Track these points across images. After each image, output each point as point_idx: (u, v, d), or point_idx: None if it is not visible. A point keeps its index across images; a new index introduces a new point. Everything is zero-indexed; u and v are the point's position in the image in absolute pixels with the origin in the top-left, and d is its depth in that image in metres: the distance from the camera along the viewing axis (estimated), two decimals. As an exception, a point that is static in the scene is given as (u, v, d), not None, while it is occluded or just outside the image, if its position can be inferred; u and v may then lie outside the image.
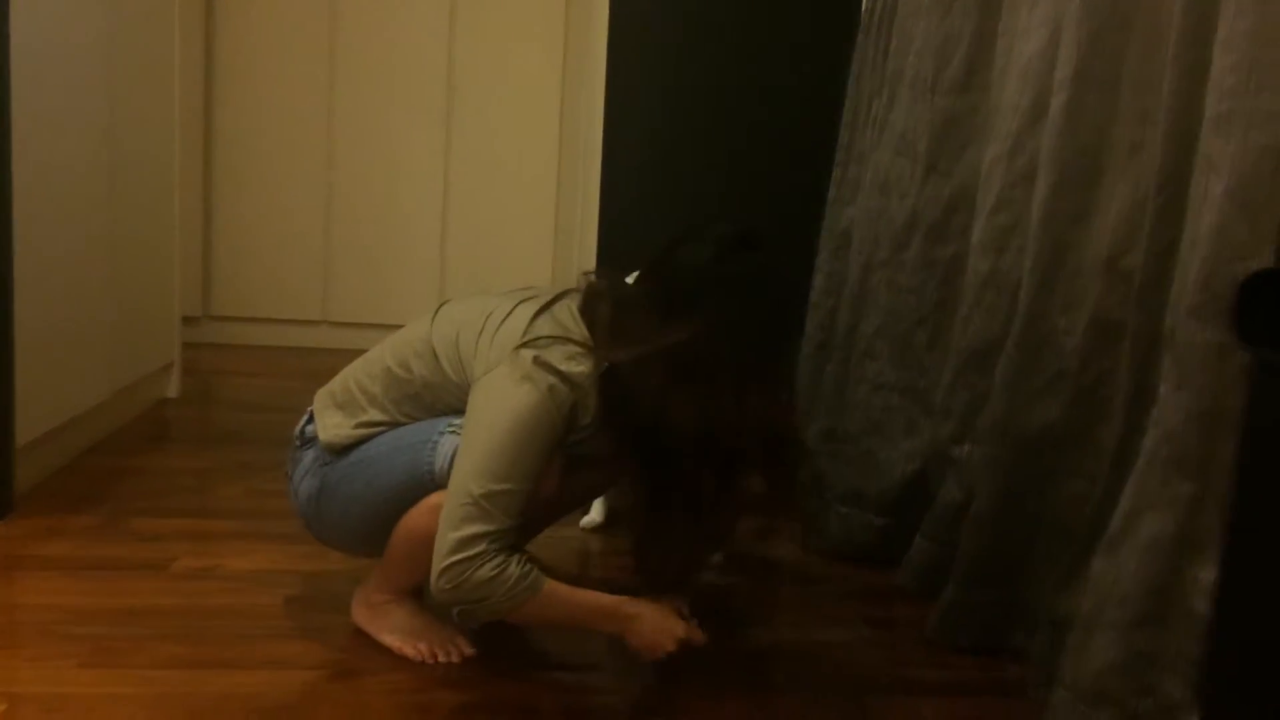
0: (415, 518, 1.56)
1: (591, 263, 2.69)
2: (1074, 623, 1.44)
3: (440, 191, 4.23)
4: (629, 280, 1.65)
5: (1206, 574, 1.25)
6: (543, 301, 1.58)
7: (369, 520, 1.61)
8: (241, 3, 4.06)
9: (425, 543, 1.52)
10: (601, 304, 1.58)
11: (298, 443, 1.70)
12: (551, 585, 1.50)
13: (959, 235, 2.02)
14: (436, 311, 1.66)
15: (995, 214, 1.82)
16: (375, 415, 1.62)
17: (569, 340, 1.52)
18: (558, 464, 1.54)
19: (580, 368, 1.49)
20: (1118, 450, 1.49)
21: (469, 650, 1.64)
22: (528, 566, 1.47)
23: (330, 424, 1.65)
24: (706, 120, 2.68)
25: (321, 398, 1.71)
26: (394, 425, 1.61)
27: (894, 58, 2.24)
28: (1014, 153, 1.77)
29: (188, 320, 3.71)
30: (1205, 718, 0.94)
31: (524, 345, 1.50)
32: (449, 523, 1.45)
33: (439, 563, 1.44)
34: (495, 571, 1.43)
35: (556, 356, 1.49)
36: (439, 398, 1.59)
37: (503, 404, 1.48)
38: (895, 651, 1.78)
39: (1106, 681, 1.33)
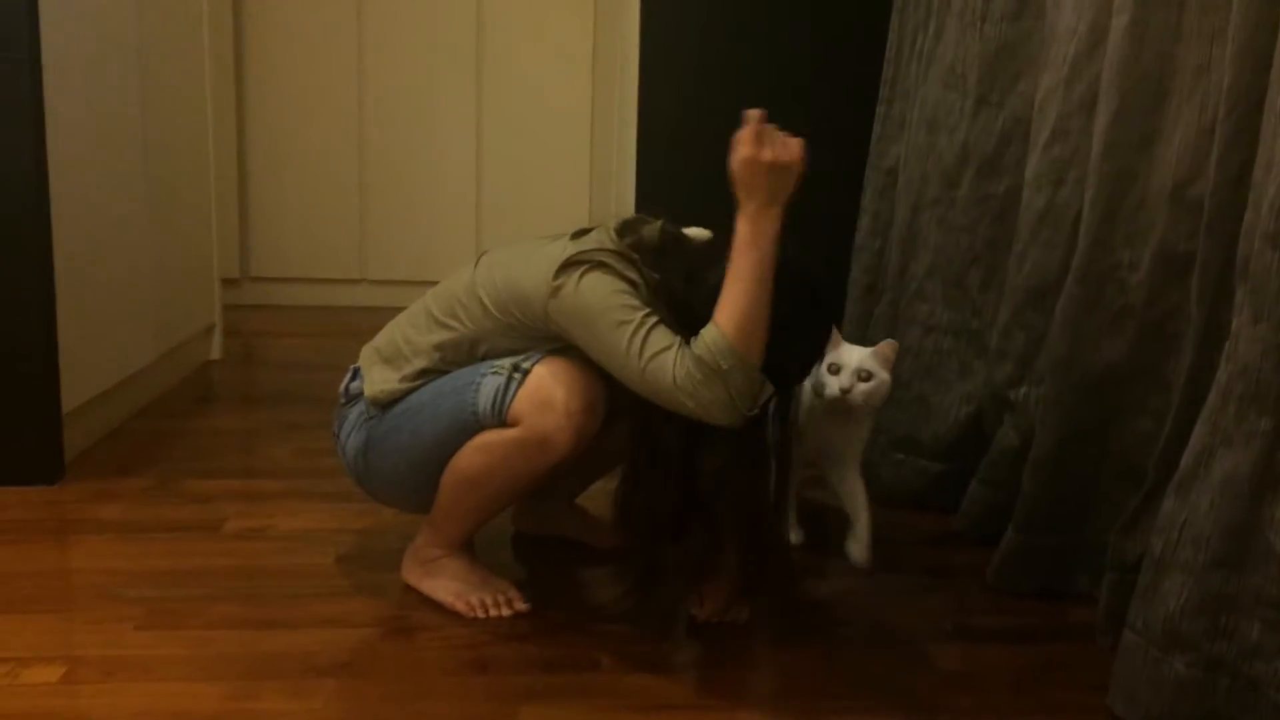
0: (463, 457, 1.55)
1: (630, 207, 2.64)
2: (1142, 565, 1.39)
3: (474, 142, 4.18)
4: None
5: (1287, 512, 1.20)
6: (578, 229, 1.56)
7: (418, 469, 1.60)
8: (268, -41, 4.01)
9: (473, 482, 1.53)
10: (644, 227, 1.56)
11: (343, 400, 1.69)
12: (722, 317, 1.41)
13: (1013, 169, 1.95)
14: (478, 261, 1.63)
15: (1051, 145, 1.75)
16: (421, 364, 1.59)
17: (611, 251, 1.49)
18: (594, 393, 1.51)
19: (630, 272, 1.48)
20: (1187, 387, 1.43)
21: (522, 605, 1.63)
22: (704, 338, 1.41)
23: (377, 378, 1.63)
24: (744, 57, 2.61)
25: (367, 353, 1.69)
26: (440, 375, 1.59)
27: (940, -13, 2.16)
28: (1071, 80, 1.70)
29: (227, 282, 3.71)
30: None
31: (569, 260, 1.47)
32: (657, 385, 1.41)
33: (697, 399, 1.39)
34: (704, 362, 1.39)
35: (604, 255, 1.48)
36: (485, 344, 1.57)
37: (591, 302, 1.44)
38: (956, 598, 1.75)
39: (1180, 625, 1.29)
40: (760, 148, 1.40)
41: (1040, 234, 1.80)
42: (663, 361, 1.40)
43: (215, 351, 3.24)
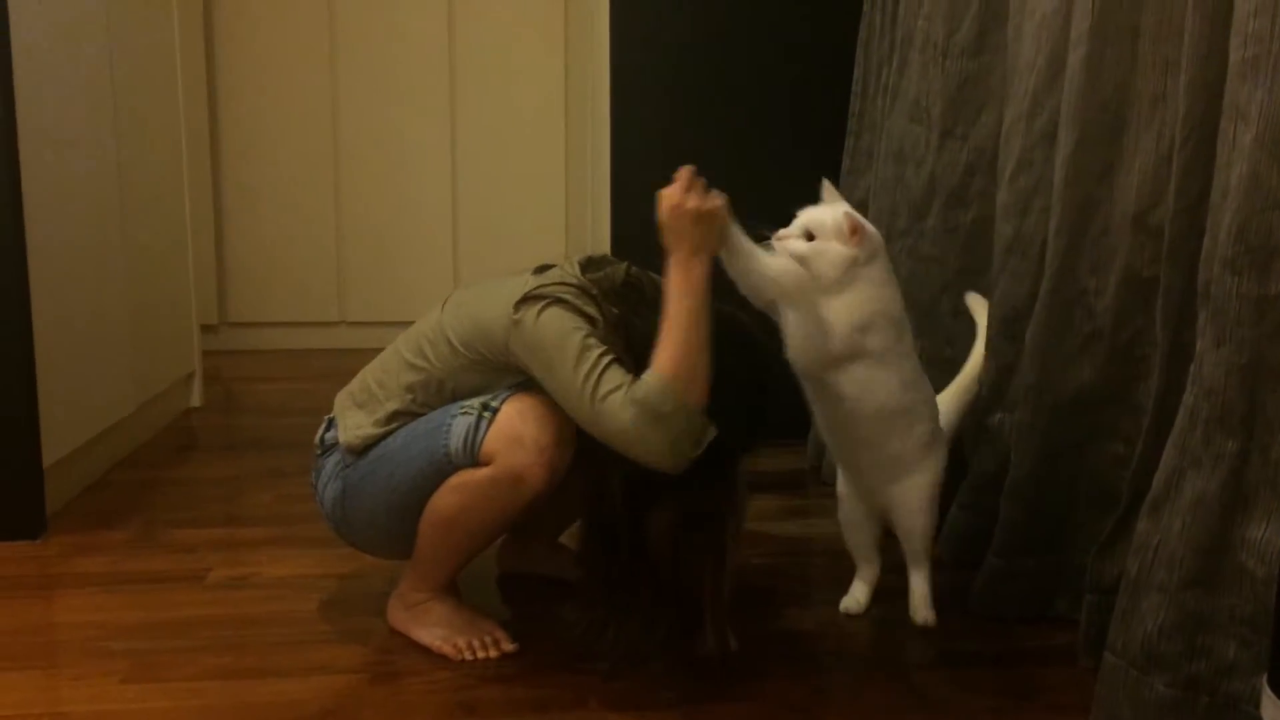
0: (439, 499, 1.56)
1: (606, 248, 2.67)
2: (1120, 587, 1.41)
3: (449, 184, 4.21)
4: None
5: (1255, 531, 1.22)
6: (540, 265, 1.62)
7: (396, 514, 1.61)
8: (241, 5, 4.04)
9: (451, 523, 1.55)
10: (609, 266, 1.62)
11: (319, 450, 1.70)
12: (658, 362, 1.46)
13: (979, 199, 1.99)
14: (445, 301, 1.67)
15: (1017, 177, 1.79)
16: (393, 406, 1.61)
17: (571, 287, 1.54)
18: (560, 431, 1.52)
19: (589, 308, 1.52)
20: (1156, 409, 1.46)
21: (509, 646, 1.64)
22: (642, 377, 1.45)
23: (351, 424, 1.65)
24: (714, 97, 2.65)
25: (341, 400, 1.71)
26: (413, 417, 1.60)
27: (902, 23, 2.20)
28: (1033, 112, 1.74)
29: (206, 328, 3.71)
30: (1274, 677, 0.92)
31: (528, 294, 1.51)
32: (606, 425, 1.44)
33: (632, 440, 1.43)
34: (640, 401, 1.43)
35: (563, 290, 1.53)
36: (454, 383, 1.59)
37: (547, 337, 1.48)
38: (939, 623, 1.76)
39: (1158, 645, 1.31)
40: (686, 196, 1.48)
41: (1009, 263, 1.83)
42: (613, 401, 1.43)
43: (195, 399, 3.24)
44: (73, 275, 2.30)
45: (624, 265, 1.63)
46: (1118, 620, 1.38)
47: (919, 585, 1.77)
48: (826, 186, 1.64)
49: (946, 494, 2.03)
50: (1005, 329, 1.85)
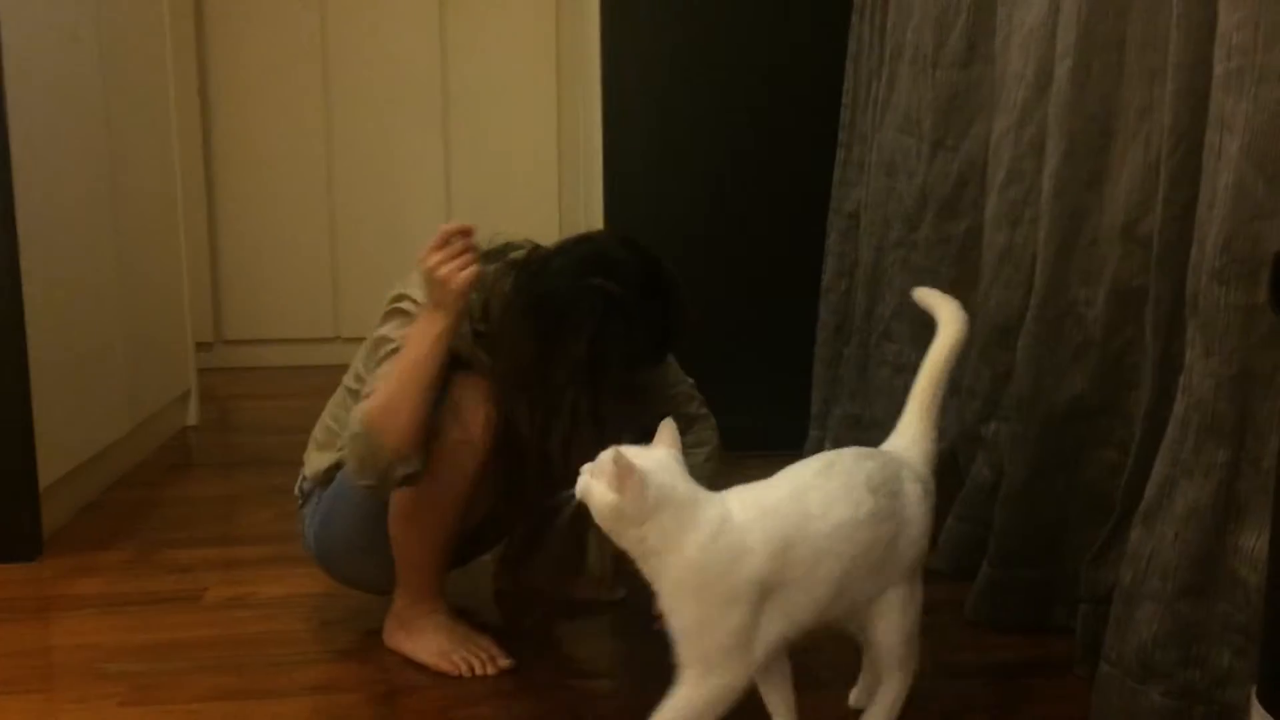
0: (396, 496, 1.58)
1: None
2: (1114, 596, 1.42)
3: (443, 198, 4.22)
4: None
5: (1248, 540, 1.23)
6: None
7: (369, 529, 1.62)
8: (232, 24, 4.06)
9: (413, 514, 1.58)
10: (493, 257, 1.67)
11: (300, 501, 1.74)
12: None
13: (970, 209, 2.00)
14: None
15: (1007, 187, 1.80)
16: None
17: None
18: (486, 400, 1.54)
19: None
20: (1147, 419, 1.47)
21: (505, 662, 1.64)
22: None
23: (315, 463, 1.70)
24: (705, 104, 2.67)
25: (308, 451, 1.75)
26: None
27: (891, 35, 2.22)
28: (1022, 123, 1.75)
29: (201, 346, 3.71)
30: (1265, 689, 0.92)
31: (391, 300, 1.62)
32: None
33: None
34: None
35: (406, 303, 1.61)
36: None
37: (379, 336, 1.60)
38: (935, 635, 1.76)
39: (1152, 655, 1.31)
40: (430, 254, 1.50)
41: (1001, 273, 1.84)
42: (358, 409, 1.53)
43: (191, 417, 3.24)
44: (67, 295, 2.30)
45: (526, 247, 1.67)
46: (1112, 629, 1.38)
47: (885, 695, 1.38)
48: (665, 425, 1.30)
49: (942, 505, 2.04)
50: (1000, 338, 1.85)
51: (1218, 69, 1.24)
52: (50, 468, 2.17)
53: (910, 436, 1.41)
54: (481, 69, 4.19)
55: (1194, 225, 1.32)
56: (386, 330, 1.59)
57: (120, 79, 2.66)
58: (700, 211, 2.68)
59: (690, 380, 1.79)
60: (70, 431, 2.29)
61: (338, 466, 1.66)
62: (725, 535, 1.20)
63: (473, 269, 1.49)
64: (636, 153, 2.69)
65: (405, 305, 1.60)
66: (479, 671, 1.62)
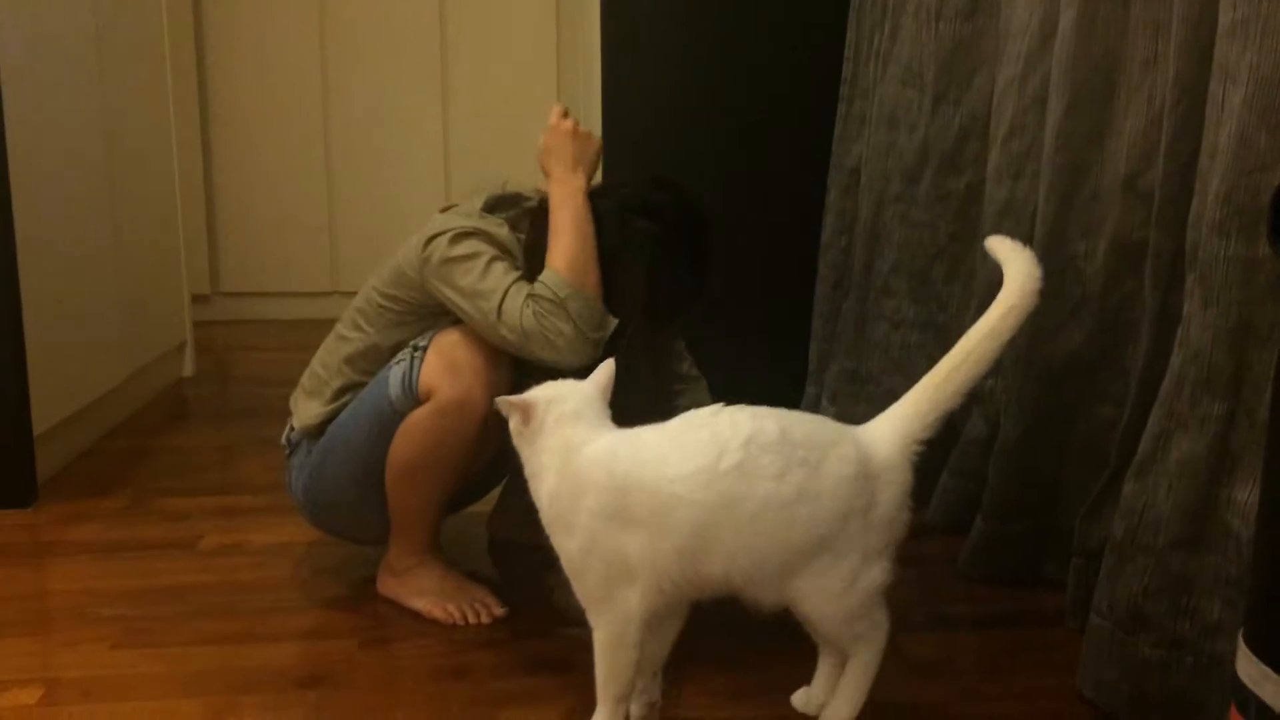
0: (394, 450, 1.58)
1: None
2: (1106, 549, 1.42)
3: (441, 153, 4.19)
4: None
5: (1241, 493, 1.22)
6: (445, 206, 1.70)
7: (361, 483, 1.62)
8: (229, -26, 4.01)
9: (411, 470, 1.57)
10: (522, 200, 1.71)
11: (286, 450, 1.73)
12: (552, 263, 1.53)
13: (972, 164, 1.98)
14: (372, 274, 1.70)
15: (1009, 140, 1.78)
16: (337, 383, 1.65)
17: (476, 216, 1.63)
18: (489, 362, 1.55)
19: (497, 234, 1.58)
20: (1144, 373, 1.46)
21: (499, 610, 1.64)
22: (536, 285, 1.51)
23: (304, 412, 1.68)
24: (705, 61, 2.64)
25: (294, 395, 1.74)
26: (359, 388, 1.64)
27: (895, -14, 2.18)
28: (1025, 76, 1.73)
29: (197, 298, 3.70)
30: (1251, 632, 0.92)
31: (437, 231, 1.57)
32: (510, 328, 1.49)
33: (522, 330, 1.48)
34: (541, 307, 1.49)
35: (468, 221, 1.59)
36: (390, 343, 1.62)
37: (454, 262, 1.53)
38: (929, 588, 1.77)
39: (1143, 606, 1.32)
40: (563, 120, 1.66)
41: (1001, 227, 1.82)
42: (513, 304, 1.48)
43: (187, 368, 3.24)
44: (61, 245, 2.29)
45: (531, 201, 1.68)
46: (1104, 582, 1.38)
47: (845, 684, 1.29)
48: (604, 365, 1.33)
49: (937, 460, 2.04)
50: (997, 293, 1.84)
51: (1223, 19, 1.22)
52: (45, 414, 2.16)
53: (898, 413, 1.28)
54: (481, 21, 4.14)
55: (1195, 178, 1.31)
56: (461, 250, 1.53)
57: (114, 31, 2.63)
58: (701, 167, 2.66)
59: (681, 341, 1.79)
60: (65, 379, 2.29)
61: (330, 419, 1.65)
62: (576, 465, 1.22)
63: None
64: (637, 104, 2.66)
65: (465, 227, 1.56)
66: (472, 620, 1.63)
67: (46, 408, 2.17)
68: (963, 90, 1.99)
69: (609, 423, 1.27)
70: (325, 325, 1.78)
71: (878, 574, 1.23)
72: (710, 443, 1.17)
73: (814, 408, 2.55)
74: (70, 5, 2.38)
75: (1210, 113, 1.26)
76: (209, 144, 4.08)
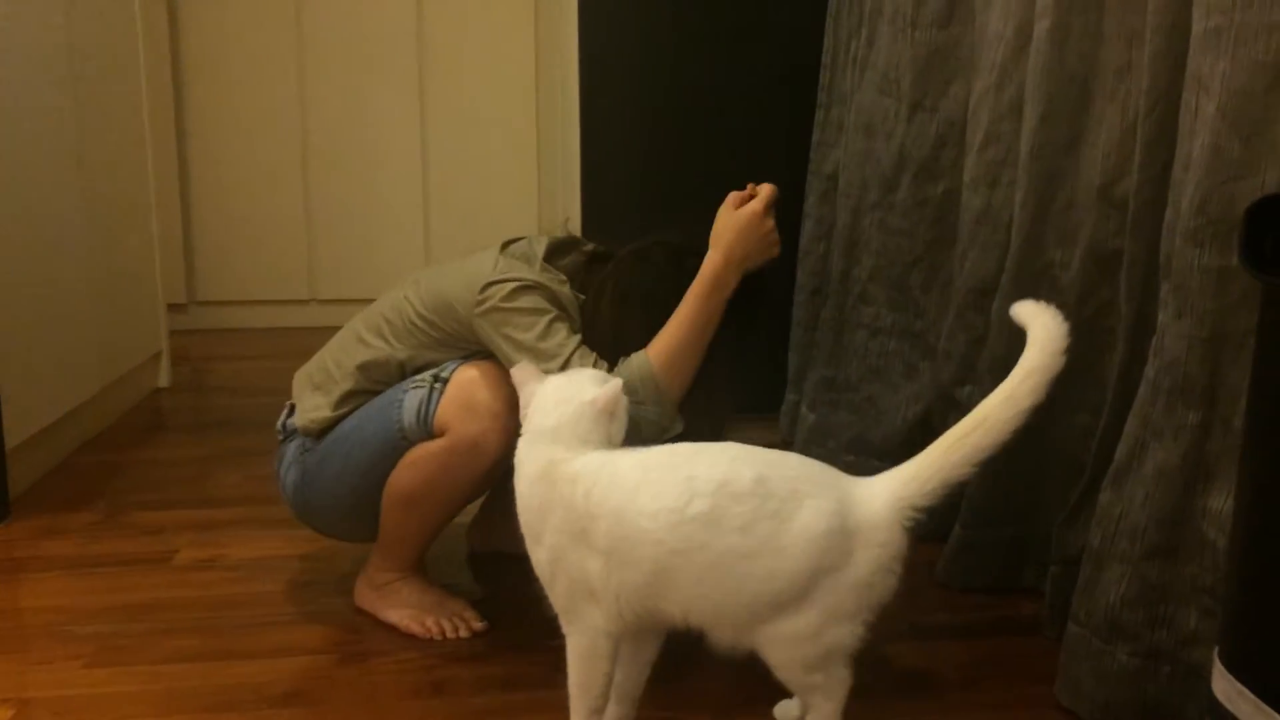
0: (398, 476, 1.55)
1: (577, 219, 2.66)
2: (1083, 557, 1.42)
3: (419, 158, 4.17)
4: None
5: (1216, 502, 1.23)
6: (507, 240, 1.62)
7: (356, 496, 1.60)
8: (204, -19, 3.98)
9: (412, 499, 1.54)
10: (577, 247, 1.63)
11: (281, 436, 1.70)
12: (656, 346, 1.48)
13: (949, 172, 1.99)
14: (408, 279, 1.66)
15: (985, 149, 1.78)
16: (347, 386, 1.61)
17: (539, 270, 1.55)
18: (508, 408, 1.49)
19: (558, 292, 1.53)
20: (1119, 381, 1.47)
21: (478, 624, 1.63)
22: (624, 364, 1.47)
23: (308, 407, 1.64)
24: (684, 65, 2.64)
25: (299, 381, 1.70)
26: (367, 396, 1.60)
27: (871, -6, 2.19)
28: (1000, 84, 1.73)
29: (173, 308, 3.67)
30: (1226, 650, 0.92)
31: (499, 277, 1.50)
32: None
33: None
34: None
35: (531, 273, 1.53)
36: (410, 361, 1.58)
37: (514, 317, 1.48)
38: (907, 597, 1.76)
39: (1120, 615, 1.32)
40: (769, 214, 1.51)
41: (979, 235, 1.83)
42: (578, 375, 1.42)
43: (163, 379, 3.21)
44: (31, 254, 2.26)
45: (589, 247, 1.63)
46: (1081, 591, 1.39)
47: None
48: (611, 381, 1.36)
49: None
50: (975, 301, 1.85)
51: (1196, 28, 1.23)
52: (17, 429, 2.14)
53: (898, 474, 1.20)
54: (458, 27, 4.13)
55: (1170, 187, 1.31)
56: (523, 304, 1.48)
57: (88, 37, 2.61)
58: (679, 173, 2.65)
59: None
60: (38, 392, 2.26)
61: (334, 424, 1.61)
62: (552, 478, 1.21)
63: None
64: (614, 107, 2.66)
65: (528, 280, 1.50)
66: (451, 634, 1.62)
67: (19, 421, 2.14)
68: (939, 98, 2.00)
69: (598, 441, 1.25)
70: (304, 333, 1.77)
71: (845, 636, 1.17)
72: (684, 484, 1.15)
73: (793, 415, 2.55)
74: (42, 14, 2.36)
75: (1184, 122, 1.27)
76: (184, 152, 4.05)
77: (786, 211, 2.58)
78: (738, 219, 1.50)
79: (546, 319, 1.48)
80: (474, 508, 1.91)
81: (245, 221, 4.10)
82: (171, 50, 3.97)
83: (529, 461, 1.25)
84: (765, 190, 1.54)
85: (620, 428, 1.28)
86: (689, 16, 2.61)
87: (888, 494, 1.17)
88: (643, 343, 1.49)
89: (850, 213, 2.22)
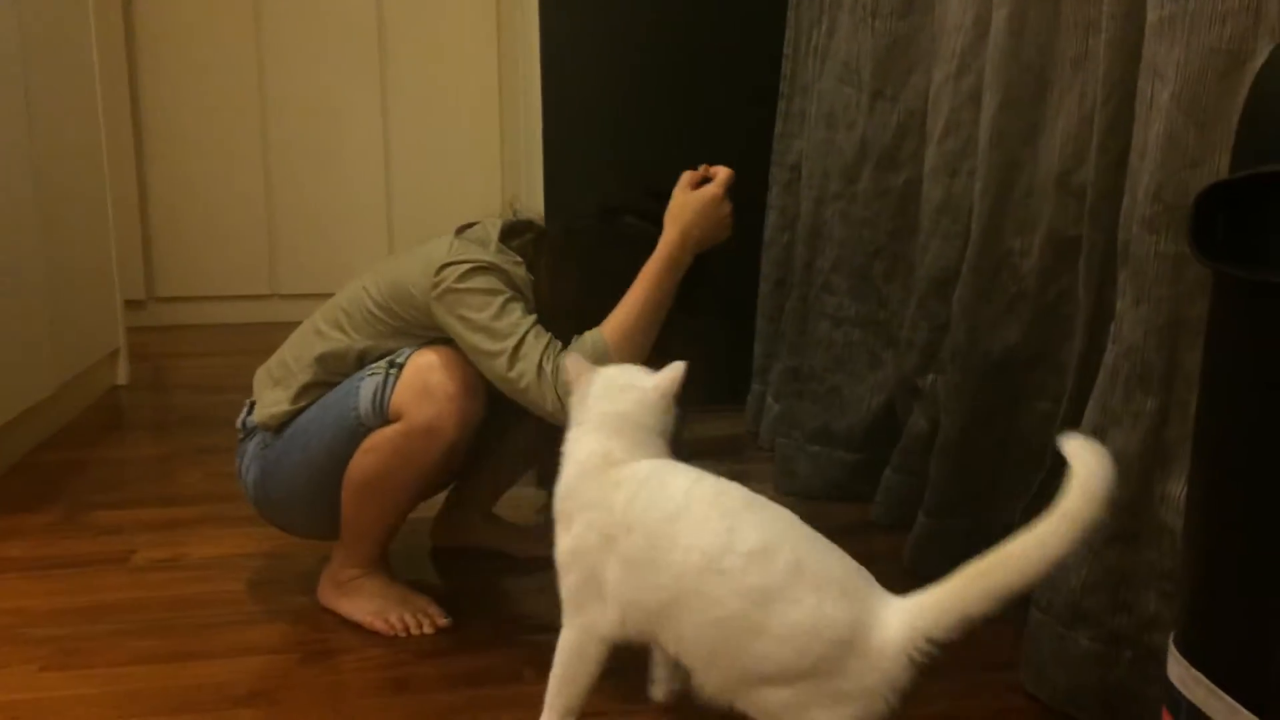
0: (356, 464, 1.54)
1: (539, 204, 2.65)
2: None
3: (381, 151, 4.14)
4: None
5: (1175, 488, 1.24)
6: (462, 225, 1.63)
7: (316, 489, 1.58)
8: (159, -29, 3.92)
9: (370, 487, 1.54)
10: (529, 230, 1.63)
11: (241, 434, 1.68)
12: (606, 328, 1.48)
13: (910, 161, 1.99)
14: (365, 272, 1.65)
15: (945, 138, 1.79)
16: (305, 379, 1.59)
17: (493, 250, 1.55)
18: (465, 391, 1.51)
19: (513, 273, 1.53)
20: (1079, 369, 1.48)
21: (442, 620, 1.62)
22: (574, 344, 1.47)
23: (267, 401, 1.62)
24: (646, 58, 2.63)
25: (259, 378, 1.68)
26: (326, 388, 1.59)
27: (832, -16, 2.19)
28: (960, 73, 1.74)
29: (131, 304, 3.62)
30: (1181, 635, 0.93)
31: (452, 260, 1.50)
32: (521, 382, 1.44)
33: (528, 393, 1.44)
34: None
35: (485, 255, 1.53)
36: (369, 352, 1.57)
37: (468, 299, 1.48)
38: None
39: (1082, 601, 1.33)
40: (725, 199, 1.52)
41: (940, 225, 1.84)
42: (532, 351, 1.44)
43: (121, 377, 3.16)
44: (-16, 252, 2.22)
45: (542, 229, 1.63)
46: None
47: None
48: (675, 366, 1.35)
49: (882, 457, 2.05)
50: (937, 290, 1.85)
51: (1151, 16, 1.24)
52: (-30, 429, 2.10)
53: (920, 601, 1.12)
54: (419, 17, 4.10)
55: (1126, 175, 1.32)
56: (478, 284, 1.48)
57: (39, 25, 2.56)
58: (642, 165, 2.65)
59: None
60: (-9, 392, 2.22)
61: (293, 418, 1.59)
62: (603, 477, 1.21)
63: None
64: (577, 97, 2.65)
65: (482, 261, 1.50)
66: (415, 631, 1.60)
67: (-28, 421, 2.11)
68: (900, 87, 2.00)
69: (658, 440, 1.25)
70: (265, 329, 1.74)
71: (830, 718, 1.10)
72: (724, 533, 1.11)
73: (759, 406, 2.56)
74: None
75: (1139, 110, 1.28)
76: (142, 145, 3.99)
77: (750, 202, 2.60)
78: (698, 199, 1.51)
79: (501, 299, 1.48)
80: (436, 502, 1.90)
81: (204, 216, 4.05)
82: (126, 40, 3.90)
83: (580, 451, 1.25)
84: (723, 173, 1.54)
85: (673, 419, 1.28)
86: (651, 6, 2.61)
87: (904, 621, 1.10)
88: (594, 316, 1.49)
89: (813, 203, 2.23)
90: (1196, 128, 1.18)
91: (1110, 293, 1.39)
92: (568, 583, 1.23)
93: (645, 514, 1.17)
